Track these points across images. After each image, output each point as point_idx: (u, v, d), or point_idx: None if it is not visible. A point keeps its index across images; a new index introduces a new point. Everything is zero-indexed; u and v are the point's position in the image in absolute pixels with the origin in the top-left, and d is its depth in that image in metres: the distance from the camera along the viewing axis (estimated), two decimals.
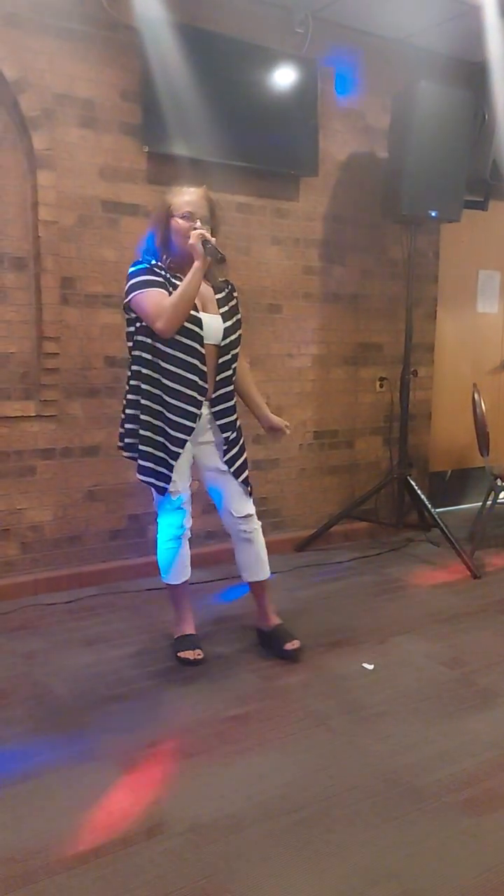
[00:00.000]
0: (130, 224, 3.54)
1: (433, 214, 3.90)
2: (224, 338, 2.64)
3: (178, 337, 2.52)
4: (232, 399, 2.74)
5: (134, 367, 2.64)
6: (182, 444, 2.61)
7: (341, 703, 2.50)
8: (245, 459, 2.80)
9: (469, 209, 4.22)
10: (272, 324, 4.06)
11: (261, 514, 4.06)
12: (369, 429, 4.52)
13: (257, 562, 2.84)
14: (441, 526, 3.95)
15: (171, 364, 2.55)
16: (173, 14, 3.39)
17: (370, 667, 2.77)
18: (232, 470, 2.73)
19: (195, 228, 2.50)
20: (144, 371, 2.59)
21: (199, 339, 2.56)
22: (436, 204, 3.88)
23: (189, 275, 2.47)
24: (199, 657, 2.77)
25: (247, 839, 1.84)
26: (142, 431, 2.63)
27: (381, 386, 4.48)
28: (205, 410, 2.66)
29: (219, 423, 2.70)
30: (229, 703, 2.49)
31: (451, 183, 3.89)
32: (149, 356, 2.58)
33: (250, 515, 2.79)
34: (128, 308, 2.59)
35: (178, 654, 2.78)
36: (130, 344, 2.65)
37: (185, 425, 2.59)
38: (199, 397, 2.60)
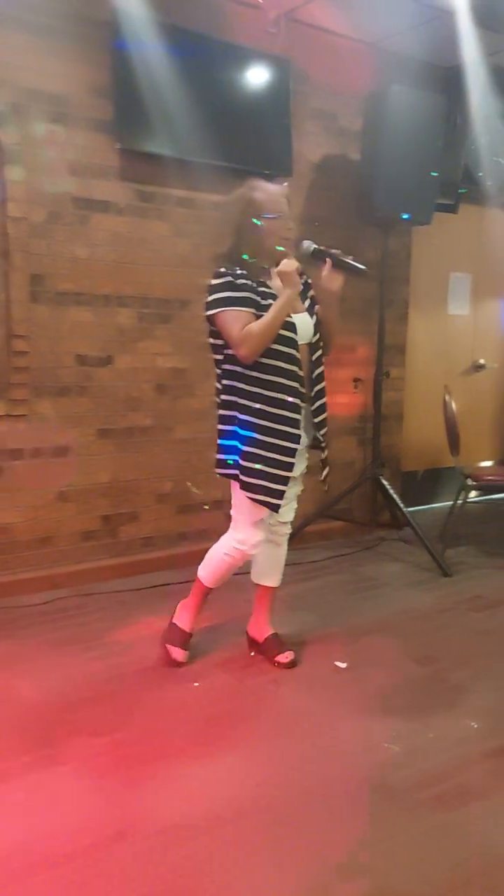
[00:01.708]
0: (102, 221, 3.51)
1: (405, 217, 3.92)
2: (314, 334, 2.56)
3: (275, 346, 2.41)
4: (325, 396, 2.63)
5: (226, 382, 2.49)
6: (294, 454, 2.48)
7: (314, 702, 2.50)
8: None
9: (440, 212, 4.26)
10: None
11: None
12: (344, 429, 4.53)
13: (275, 567, 2.80)
14: (413, 525, 3.97)
15: (272, 375, 2.42)
16: (146, 10, 3.37)
17: (343, 665, 2.77)
18: (322, 476, 2.72)
19: (288, 229, 2.45)
20: (240, 385, 2.45)
21: (295, 344, 2.46)
22: (408, 206, 3.91)
23: (280, 303, 2.37)
24: (183, 661, 2.73)
25: (217, 840, 1.83)
26: (246, 448, 2.46)
27: (355, 387, 4.50)
28: (302, 413, 2.54)
29: (316, 420, 2.60)
30: (202, 704, 2.48)
31: (423, 186, 3.92)
32: (245, 370, 2.43)
33: (291, 520, 2.76)
34: (211, 321, 2.46)
35: (168, 646, 2.74)
36: (219, 357, 2.50)
37: (293, 434, 2.47)
38: (300, 403, 2.48)
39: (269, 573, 2.81)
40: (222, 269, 2.43)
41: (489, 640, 3.03)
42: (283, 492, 2.49)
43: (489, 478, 4.24)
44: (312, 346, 2.56)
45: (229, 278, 2.41)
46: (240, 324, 2.36)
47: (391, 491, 4.15)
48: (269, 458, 2.45)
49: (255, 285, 2.42)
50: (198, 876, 1.71)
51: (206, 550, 4.03)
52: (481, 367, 5.37)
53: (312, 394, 2.58)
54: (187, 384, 3.86)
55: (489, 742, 2.27)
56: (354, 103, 4.13)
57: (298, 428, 2.48)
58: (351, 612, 3.30)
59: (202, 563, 2.74)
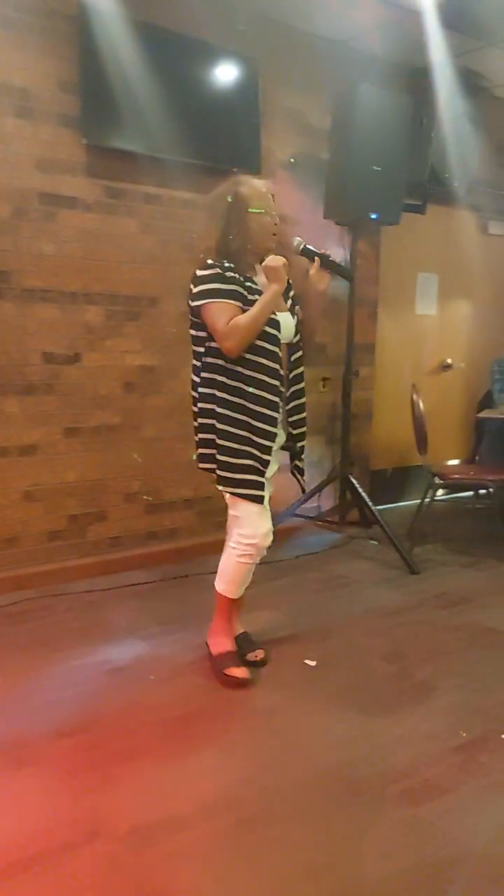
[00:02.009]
0: (69, 217, 3.47)
1: (373, 217, 3.95)
2: (295, 334, 2.55)
3: (259, 342, 2.40)
4: (303, 397, 2.62)
5: (206, 375, 2.46)
6: (270, 450, 2.49)
7: (284, 701, 2.51)
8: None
9: (408, 212, 4.30)
10: None
11: (206, 514, 4.09)
12: (313, 428, 4.52)
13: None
14: (381, 523, 4.00)
15: (253, 370, 2.41)
16: (114, 6, 3.34)
17: (312, 663, 2.78)
18: (304, 479, 2.74)
19: (275, 225, 2.45)
20: (220, 378, 2.43)
21: (279, 341, 2.46)
22: (376, 206, 3.93)
23: (266, 297, 2.37)
24: (249, 676, 2.58)
25: (188, 840, 1.82)
26: (222, 442, 2.46)
27: (323, 386, 4.51)
28: (279, 412, 2.54)
29: (290, 419, 2.59)
30: (172, 703, 2.47)
31: (391, 186, 3.95)
32: (227, 364, 2.42)
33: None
34: (196, 313, 2.44)
35: (226, 672, 2.58)
36: (201, 349, 2.48)
37: (270, 431, 2.46)
38: (278, 401, 2.49)
39: None
40: (210, 261, 2.40)
41: (455, 637, 3.07)
42: (262, 483, 2.49)
43: (455, 476, 4.30)
44: (292, 347, 2.55)
45: (218, 270, 2.38)
46: (227, 316, 2.35)
47: (360, 489, 4.18)
48: (249, 452, 2.45)
49: (242, 280, 2.40)
50: (169, 876, 1.70)
51: (176, 549, 4.03)
52: (448, 366, 5.43)
53: (289, 393, 2.57)
54: (156, 382, 3.84)
55: (455, 738, 2.30)
56: (323, 102, 4.14)
57: (276, 426, 2.48)
58: (320, 611, 3.32)
59: (217, 577, 2.66)
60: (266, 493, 2.55)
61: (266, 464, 2.49)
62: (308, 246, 2.55)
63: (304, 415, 2.64)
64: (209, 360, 2.45)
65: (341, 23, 4.03)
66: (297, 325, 2.55)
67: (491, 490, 4.20)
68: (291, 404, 2.59)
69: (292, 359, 2.56)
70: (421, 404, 4.15)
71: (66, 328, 3.54)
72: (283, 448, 2.65)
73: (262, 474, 2.49)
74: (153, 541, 3.92)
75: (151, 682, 2.61)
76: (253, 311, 2.36)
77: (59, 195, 3.44)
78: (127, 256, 3.67)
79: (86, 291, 3.57)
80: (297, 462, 2.71)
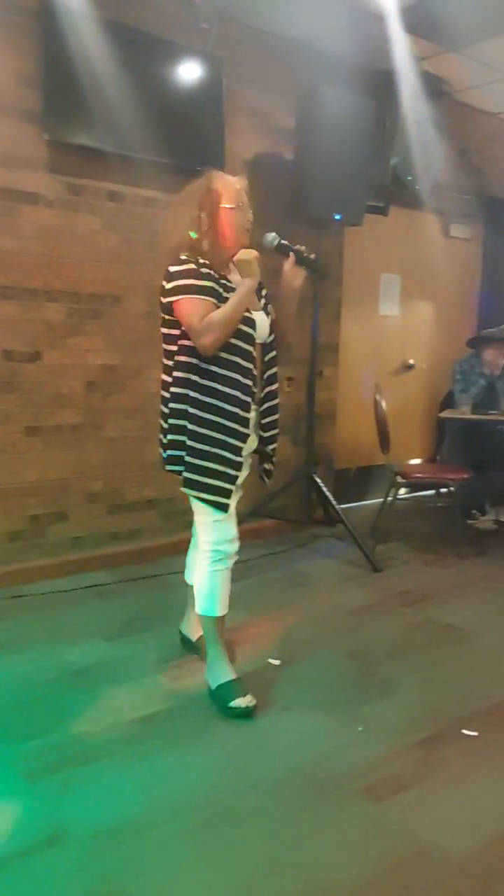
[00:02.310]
0: (30, 213, 3.42)
1: (337, 217, 3.97)
2: (270, 333, 2.49)
3: (234, 341, 2.32)
4: (277, 398, 2.54)
5: (178, 374, 2.37)
6: (241, 452, 2.40)
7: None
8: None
9: (371, 214, 4.33)
10: None
11: (169, 514, 4.07)
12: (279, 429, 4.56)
13: None
14: (345, 522, 4.03)
15: (227, 369, 2.33)
16: (78, 1, 3.31)
17: (276, 662, 2.79)
18: (270, 481, 2.66)
19: (249, 220, 2.40)
20: (193, 378, 2.34)
21: (254, 340, 2.39)
22: (340, 207, 3.96)
23: (241, 292, 2.30)
24: (254, 703, 2.42)
25: (150, 842, 1.81)
26: (192, 443, 2.36)
27: (288, 385, 4.53)
28: (252, 413, 2.45)
29: (263, 422, 2.52)
30: (135, 705, 2.45)
31: (354, 187, 3.98)
32: (201, 362, 2.33)
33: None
34: (168, 309, 2.35)
35: (230, 705, 2.40)
36: (173, 347, 2.38)
37: (242, 433, 2.38)
38: (251, 401, 2.40)
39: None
40: (184, 256, 2.33)
41: (417, 634, 3.10)
42: (232, 491, 2.40)
43: (417, 475, 4.35)
44: (267, 346, 2.49)
45: (192, 265, 2.31)
46: (201, 312, 2.26)
47: (324, 488, 4.20)
48: (219, 455, 2.36)
49: (217, 276, 2.34)
50: (132, 878, 1.69)
51: (139, 550, 4.01)
52: (410, 366, 5.49)
53: (262, 394, 2.50)
54: (118, 381, 3.80)
55: (417, 733, 2.32)
56: (287, 102, 4.15)
57: (248, 427, 2.41)
58: (284, 609, 3.32)
59: (196, 600, 2.53)
60: (232, 502, 2.45)
61: (238, 467, 2.39)
62: (283, 241, 2.51)
63: (276, 416, 2.57)
64: (182, 358, 2.36)
65: (305, 24, 4.04)
66: (271, 325, 2.50)
67: (452, 489, 4.26)
68: (265, 405, 2.53)
69: (266, 359, 2.50)
70: (384, 404, 4.19)
71: (26, 326, 3.49)
72: (255, 451, 2.59)
73: (231, 480, 2.39)
74: (116, 541, 3.89)
75: (114, 684, 2.59)
76: (228, 306, 2.28)
77: (19, 191, 3.39)
78: (89, 254, 3.63)
79: (47, 289, 3.52)
80: (267, 465, 2.64)
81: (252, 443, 2.52)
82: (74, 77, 3.33)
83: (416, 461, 5.38)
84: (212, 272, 2.34)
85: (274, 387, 2.55)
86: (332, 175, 3.86)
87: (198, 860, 1.75)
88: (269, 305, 2.55)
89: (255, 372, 2.41)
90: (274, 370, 2.54)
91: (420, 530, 4.66)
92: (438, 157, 4.65)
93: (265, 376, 2.51)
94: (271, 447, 2.60)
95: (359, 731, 2.33)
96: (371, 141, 4.03)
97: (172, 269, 2.32)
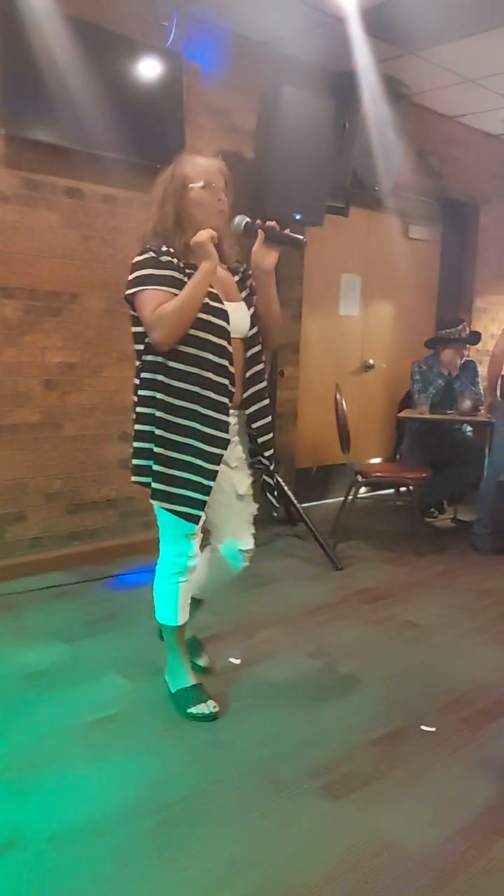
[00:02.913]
0: None
1: (297, 217, 3.99)
2: (251, 327, 2.27)
3: (203, 334, 2.14)
4: (266, 398, 2.32)
5: (145, 375, 2.19)
6: (219, 460, 2.19)
7: None
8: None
9: (331, 214, 4.36)
10: None
11: (129, 514, 4.04)
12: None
13: (216, 589, 2.56)
14: (306, 520, 4.04)
15: (197, 367, 2.14)
16: None
17: (237, 661, 2.78)
18: (275, 497, 2.44)
19: (219, 200, 2.20)
20: (160, 378, 2.16)
21: (228, 335, 2.18)
22: (300, 207, 3.97)
23: (196, 279, 2.10)
24: (216, 709, 2.35)
25: (109, 844, 1.79)
26: (162, 451, 2.18)
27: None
28: (233, 419, 2.25)
29: (253, 426, 2.31)
30: (94, 707, 2.42)
31: (315, 188, 4.00)
32: (168, 360, 2.15)
33: (253, 546, 2.43)
34: (132, 304, 2.18)
35: (190, 710, 2.34)
36: (140, 347, 2.21)
37: (220, 438, 2.18)
38: (229, 403, 2.21)
39: (212, 593, 2.57)
40: (148, 246, 2.18)
41: (377, 631, 3.13)
42: (204, 502, 2.21)
43: (377, 474, 4.39)
44: (248, 341, 2.28)
45: (152, 254, 2.15)
46: (154, 304, 2.09)
47: (286, 488, 4.21)
48: (189, 462, 2.17)
49: (182, 265, 2.15)
50: (90, 880, 1.67)
51: (98, 550, 3.97)
52: (370, 366, 5.54)
53: (246, 395, 2.29)
54: (77, 379, 3.76)
55: (377, 730, 2.34)
56: (248, 102, 4.16)
57: (226, 431, 2.20)
58: (244, 608, 3.32)
59: (155, 608, 2.40)
60: (247, 512, 2.34)
61: (212, 476, 2.19)
62: (249, 220, 2.28)
63: (267, 420, 2.34)
64: (149, 357, 2.19)
65: (266, 24, 4.04)
66: (253, 318, 2.29)
67: (411, 487, 4.31)
68: (252, 408, 2.31)
69: (248, 355, 2.27)
70: (344, 404, 4.22)
71: None
72: (251, 464, 2.40)
73: (205, 491, 2.20)
74: (74, 541, 3.84)
75: (72, 685, 2.55)
76: (181, 295, 2.09)
77: None
78: (47, 251, 3.58)
79: (3, 286, 3.46)
80: (267, 478, 2.41)
81: (237, 450, 2.33)
82: (32, 72, 3.27)
83: (376, 460, 5.43)
84: (174, 260, 2.15)
85: (259, 387, 2.31)
86: (293, 175, 3.87)
87: (156, 862, 1.74)
88: (255, 297, 2.32)
89: (230, 369, 2.19)
90: (258, 367, 2.31)
91: (380, 529, 4.70)
92: (398, 159, 4.70)
93: (248, 375, 2.29)
94: (267, 454, 2.36)
95: (319, 729, 2.33)
96: (332, 142, 4.05)
97: (134, 260, 2.19)
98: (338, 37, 3.87)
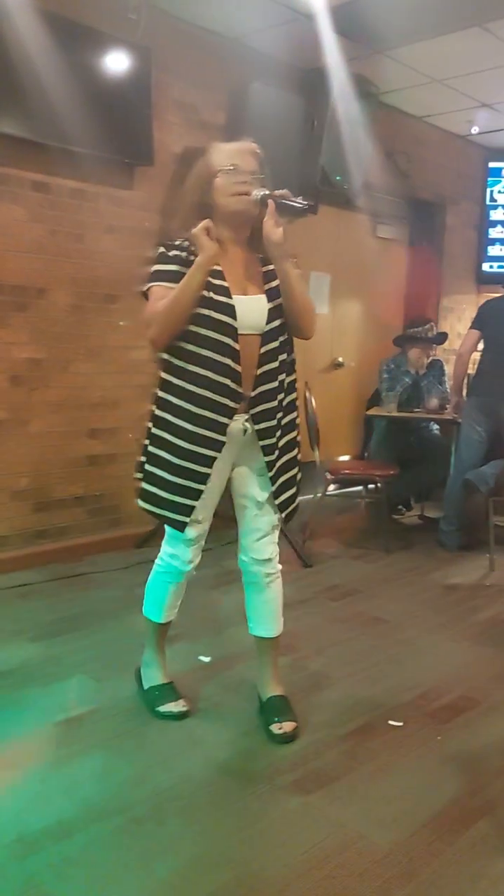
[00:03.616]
0: None
1: None
2: (269, 321, 2.11)
3: (204, 331, 2.03)
4: (274, 400, 2.14)
5: (159, 374, 2.13)
6: (212, 463, 2.09)
7: None
8: (296, 490, 2.29)
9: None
10: (108, 314, 3.96)
11: (98, 511, 4.00)
12: None
13: (272, 614, 2.36)
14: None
15: (197, 366, 2.04)
16: None
17: (206, 659, 2.78)
18: (278, 501, 2.23)
19: (242, 182, 2.04)
20: (165, 377, 2.11)
21: (233, 332, 2.04)
22: None
23: (188, 274, 1.98)
24: (186, 708, 2.32)
25: (77, 844, 1.77)
26: (154, 449, 2.12)
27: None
28: (239, 419, 2.12)
29: (259, 427, 2.13)
30: (61, 707, 2.39)
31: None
32: (172, 358, 2.08)
33: (273, 558, 2.32)
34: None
35: (159, 709, 2.31)
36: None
37: (215, 440, 2.07)
38: (231, 405, 2.07)
39: (265, 622, 2.36)
40: (161, 241, 2.11)
41: (345, 628, 3.14)
42: (192, 507, 2.12)
43: (346, 472, 4.42)
44: (265, 337, 2.11)
45: (162, 249, 2.08)
46: (154, 300, 2.03)
47: None
48: (178, 465, 2.09)
49: (192, 260, 2.02)
50: (59, 881, 1.65)
51: (66, 548, 3.92)
52: (340, 364, 5.57)
53: (253, 395, 2.11)
54: (44, 375, 3.71)
55: (345, 726, 2.35)
56: (217, 97, 4.14)
57: (222, 434, 2.08)
58: (213, 606, 3.31)
59: (144, 601, 2.38)
60: (265, 521, 2.24)
61: (205, 479, 2.10)
62: (265, 192, 2.08)
63: (271, 423, 2.15)
64: (162, 355, 2.12)
65: (236, 20, 4.03)
66: (272, 311, 2.11)
67: (379, 485, 4.34)
68: (258, 409, 2.12)
69: (261, 352, 2.10)
70: (314, 402, 4.23)
71: None
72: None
73: (194, 496, 2.11)
74: (42, 539, 3.80)
75: (40, 685, 2.52)
76: (172, 292, 2.00)
77: None
78: (13, 245, 3.53)
79: None
80: (273, 487, 2.22)
81: (250, 453, 2.20)
82: None
83: (345, 458, 5.45)
84: (183, 254, 2.05)
85: (268, 387, 2.12)
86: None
87: (126, 861, 1.73)
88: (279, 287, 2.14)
89: (234, 368, 2.06)
90: (271, 366, 2.12)
91: (348, 526, 4.73)
92: (366, 158, 4.72)
93: (257, 373, 2.11)
94: (268, 459, 2.17)
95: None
96: (300, 139, 4.06)
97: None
98: (307, 34, 3.87)
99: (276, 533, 2.31)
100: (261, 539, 2.28)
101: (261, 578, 2.32)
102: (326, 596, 3.51)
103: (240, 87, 3.89)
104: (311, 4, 3.67)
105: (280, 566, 2.36)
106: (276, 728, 2.25)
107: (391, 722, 2.38)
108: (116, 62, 3.69)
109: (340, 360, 5.55)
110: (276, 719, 2.27)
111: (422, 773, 2.12)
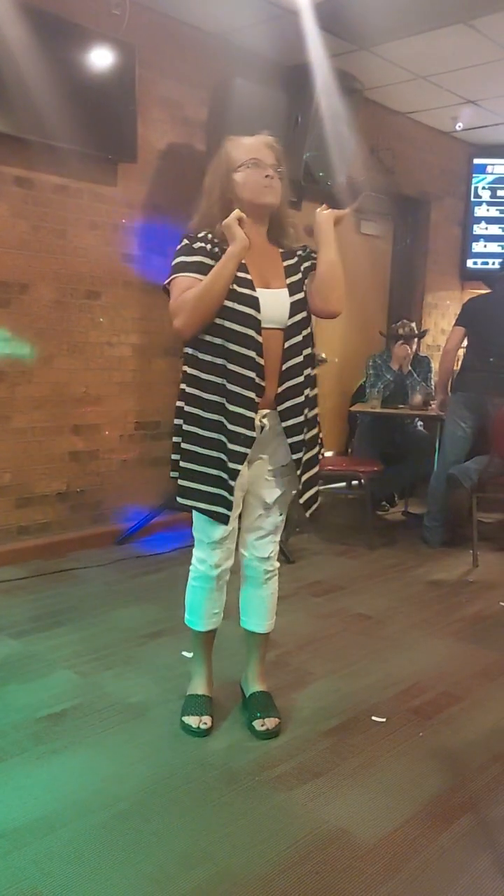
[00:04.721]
0: None
1: None
2: (291, 315, 2.10)
3: (229, 324, 2.01)
4: (300, 396, 2.13)
5: (184, 369, 2.11)
6: (243, 459, 2.05)
7: (161, 693, 2.49)
8: (317, 490, 2.27)
9: None
10: (90, 310, 3.94)
11: (80, 507, 3.99)
12: None
13: (265, 609, 2.37)
14: None
15: (221, 358, 2.03)
16: None
17: (189, 655, 2.77)
18: (302, 501, 2.22)
19: (267, 176, 2.05)
20: (191, 371, 2.08)
21: (257, 324, 2.03)
22: None
23: (219, 263, 1.98)
24: (206, 726, 2.24)
25: (60, 840, 1.77)
26: (188, 445, 2.09)
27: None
28: (261, 415, 2.09)
29: (284, 424, 2.11)
30: (44, 702, 2.39)
31: None
32: (196, 352, 2.07)
33: (272, 556, 2.32)
34: (169, 295, 2.10)
35: (183, 719, 2.27)
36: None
37: (245, 436, 2.04)
38: (256, 399, 2.05)
39: (258, 617, 2.37)
40: (185, 234, 2.11)
41: (328, 624, 3.16)
42: (230, 502, 2.09)
43: (329, 468, 4.41)
44: (288, 331, 2.10)
45: (186, 241, 2.07)
46: (179, 290, 2.02)
47: None
48: (215, 458, 2.07)
49: (216, 251, 2.03)
50: (39, 877, 1.65)
51: (48, 544, 3.90)
52: (322, 360, 5.57)
53: (280, 391, 2.10)
54: (26, 371, 3.69)
55: (328, 722, 2.36)
56: (200, 93, 4.13)
57: (250, 429, 2.05)
58: None
59: (185, 609, 2.36)
60: (269, 521, 2.24)
61: (234, 474, 2.05)
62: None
63: (299, 419, 2.13)
64: (187, 350, 2.11)
65: (219, 16, 4.02)
66: (295, 304, 2.11)
67: (362, 481, 4.36)
68: (285, 405, 2.11)
69: (285, 346, 2.09)
70: None
71: None
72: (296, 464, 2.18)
73: (228, 488, 2.07)
74: (24, 535, 3.78)
75: (22, 681, 2.51)
76: (203, 281, 1.99)
77: None
78: None
79: None
80: (300, 486, 2.21)
81: (277, 454, 2.18)
82: None
83: (328, 454, 5.46)
84: (207, 246, 2.05)
85: (294, 382, 2.12)
86: None
87: (108, 857, 1.73)
88: (306, 281, 2.17)
89: (258, 361, 2.04)
90: (296, 361, 2.11)
91: (332, 522, 4.74)
92: (350, 154, 4.72)
93: (283, 368, 2.10)
94: (295, 456, 2.15)
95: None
96: (284, 135, 4.04)
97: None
98: (291, 30, 3.87)
99: (279, 533, 2.32)
100: (263, 538, 2.29)
101: (259, 574, 2.34)
102: (309, 592, 3.53)
103: (223, 84, 3.88)
104: (295, 1, 3.66)
105: (278, 564, 2.37)
106: (259, 724, 2.26)
107: (374, 718, 2.40)
108: (100, 58, 3.67)
109: (323, 356, 5.55)
110: (259, 715, 2.28)
111: (405, 769, 2.13)
